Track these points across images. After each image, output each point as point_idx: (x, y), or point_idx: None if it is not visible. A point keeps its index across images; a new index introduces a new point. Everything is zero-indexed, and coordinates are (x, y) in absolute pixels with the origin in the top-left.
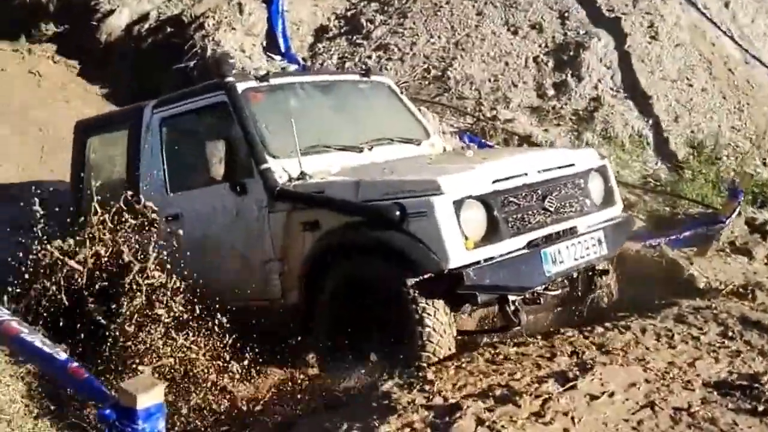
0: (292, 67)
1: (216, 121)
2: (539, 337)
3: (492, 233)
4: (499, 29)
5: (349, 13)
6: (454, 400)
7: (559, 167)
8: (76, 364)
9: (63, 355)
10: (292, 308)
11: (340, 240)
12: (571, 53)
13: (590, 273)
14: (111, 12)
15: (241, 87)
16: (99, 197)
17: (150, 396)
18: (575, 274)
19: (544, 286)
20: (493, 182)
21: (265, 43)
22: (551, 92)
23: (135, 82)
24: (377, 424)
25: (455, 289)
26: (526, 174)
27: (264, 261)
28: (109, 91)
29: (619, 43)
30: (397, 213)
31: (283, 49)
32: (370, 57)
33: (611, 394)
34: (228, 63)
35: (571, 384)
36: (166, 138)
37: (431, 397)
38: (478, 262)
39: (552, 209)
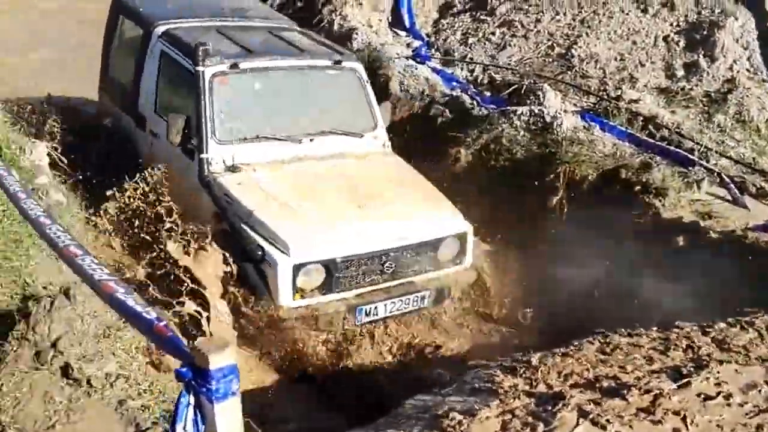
0: (416, 43)
1: (188, 87)
2: (654, 328)
3: (325, 287)
4: (628, 6)
5: None
6: (558, 388)
7: (412, 237)
8: (162, 323)
9: (152, 314)
10: None
11: (228, 242)
12: (705, 32)
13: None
14: None
15: (209, 73)
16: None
17: (222, 356)
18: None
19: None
20: (343, 249)
21: (390, 19)
22: (681, 73)
23: None
24: (478, 408)
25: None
26: (376, 244)
27: (196, 207)
28: None
29: (758, 22)
30: (259, 254)
31: (407, 25)
32: (493, 33)
33: (728, 395)
34: (203, 50)
35: (684, 381)
36: (161, 67)
37: (535, 383)
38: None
39: (389, 272)
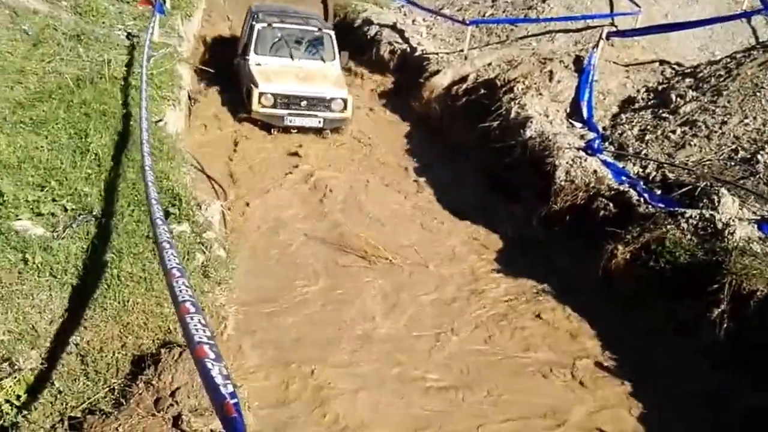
0: (591, 135)
1: (250, 32)
2: None
3: (274, 105)
4: None
5: (660, 87)
6: None
7: (317, 93)
8: (234, 401)
9: (228, 389)
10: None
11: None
12: None
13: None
14: (437, 72)
15: (257, 27)
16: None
17: None
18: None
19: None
20: (282, 89)
21: (569, 110)
22: None
23: (439, 135)
24: None
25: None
26: (300, 91)
27: (242, 76)
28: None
29: None
30: (251, 86)
31: (585, 117)
32: (674, 132)
33: None
34: (257, 17)
35: None
36: (249, 28)
37: None
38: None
39: (304, 106)
